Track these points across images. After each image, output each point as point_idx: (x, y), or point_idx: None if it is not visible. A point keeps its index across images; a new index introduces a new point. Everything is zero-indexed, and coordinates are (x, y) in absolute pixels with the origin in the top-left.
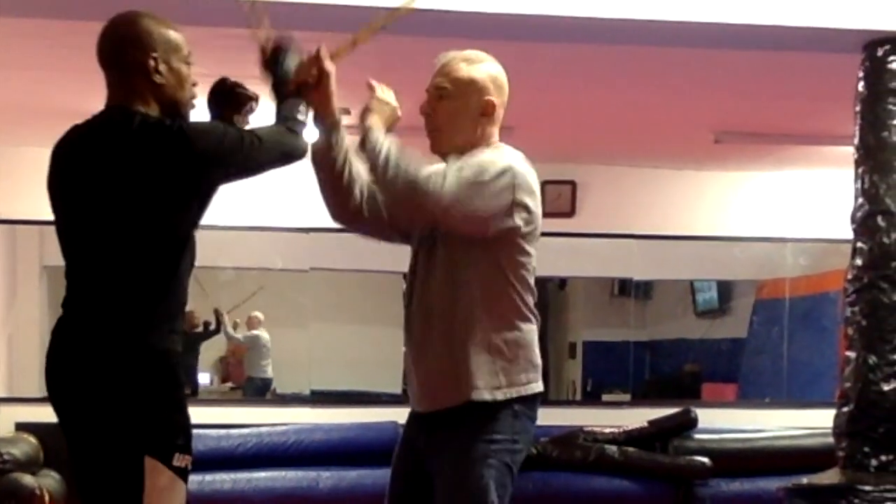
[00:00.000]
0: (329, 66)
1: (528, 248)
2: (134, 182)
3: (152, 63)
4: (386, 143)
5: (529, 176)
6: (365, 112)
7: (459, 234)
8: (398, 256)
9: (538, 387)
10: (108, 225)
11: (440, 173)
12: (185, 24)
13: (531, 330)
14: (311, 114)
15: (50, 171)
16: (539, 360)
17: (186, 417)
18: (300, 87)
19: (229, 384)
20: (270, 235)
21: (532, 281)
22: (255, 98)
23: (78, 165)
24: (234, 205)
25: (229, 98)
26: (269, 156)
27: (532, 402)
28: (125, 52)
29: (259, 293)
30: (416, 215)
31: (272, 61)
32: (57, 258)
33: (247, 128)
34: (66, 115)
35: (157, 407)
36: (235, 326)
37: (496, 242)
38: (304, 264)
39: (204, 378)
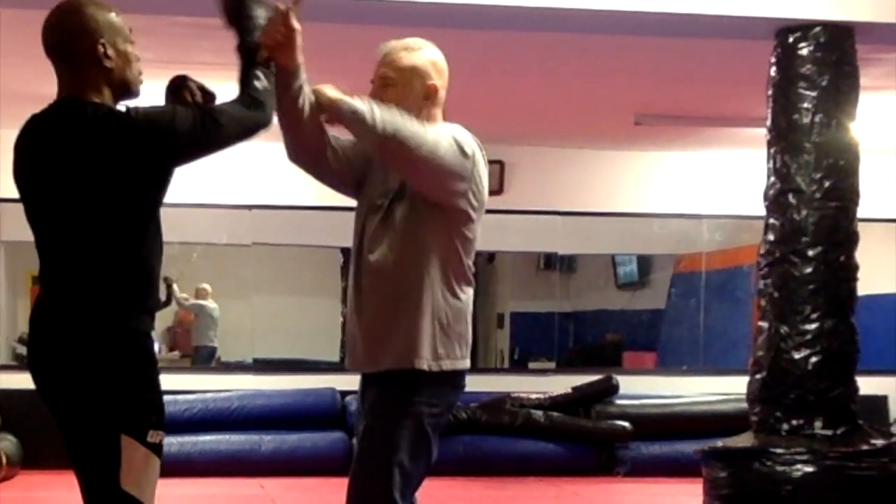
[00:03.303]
0: (296, 24)
1: (475, 222)
2: (91, 172)
3: (101, 49)
4: (366, 103)
5: (482, 153)
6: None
7: (427, 192)
8: (335, 232)
9: (467, 363)
10: (72, 214)
11: (431, 131)
12: (134, 13)
13: (470, 302)
14: (274, 71)
15: (14, 163)
16: (470, 336)
17: (159, 395)
18: (270, 48)
19: (177, 353)
20: (215, 212)
21: (473, 255)
22: (213, 96)
23: (37, 158)
24: (179, 183)
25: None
26: (228, 132)
27: (460, 374)
28: (75, 43)
29: (206, 268)
30: (407, 168)
31: (236, 11)
32: (15, 233)
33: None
34: (21, 98)
35: (130, 386)
36: (186, 300)
37: (449, 214)
38: (246, 239)
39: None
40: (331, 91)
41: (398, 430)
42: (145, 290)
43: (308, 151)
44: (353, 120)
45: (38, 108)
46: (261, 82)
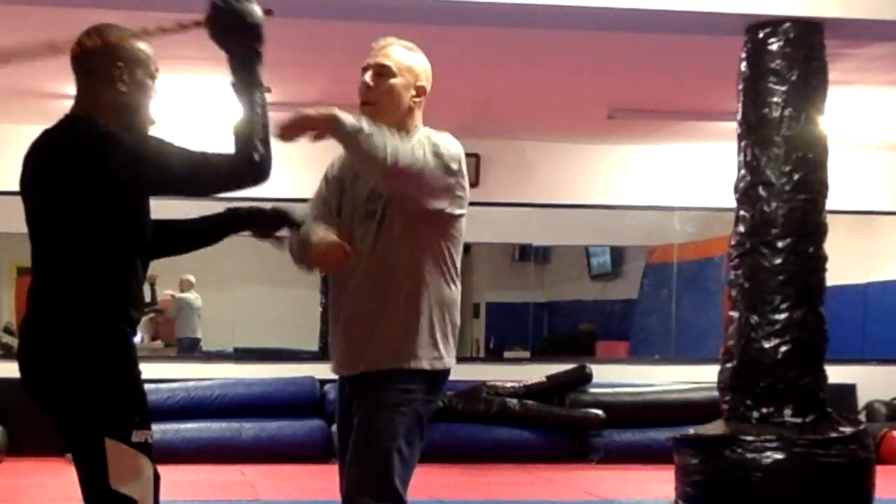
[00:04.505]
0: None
1: (461, 222)
2: (81, 188)
3: (117, 72)
4: (381, 136)
5: (464, 157)
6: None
7: (414, 203)
8: None
9: (453, 362)
10: (60, 225)
11: (423, 155)
12: (115, 9)
13: (458, 303)
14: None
15: (21, 174)
16: (458, 329)
17: (141, 396)
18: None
19: (159, 342)
20: (197, 204)
21: (461, 251)
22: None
23: (37, 170)
24: None
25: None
26: (219, 184)
27: (448, 371)
28: (94, 60)
29: (186, 258)
30: (408, 191)
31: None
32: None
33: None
34: (11, 94)
35: (110, 391)
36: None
37: (438, 218)
38: None
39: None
40: (341, 114)
41: (396, 416)
42: (126, 299)
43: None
44: (362, 149)
45: (31, 105)
46: (261, 151)
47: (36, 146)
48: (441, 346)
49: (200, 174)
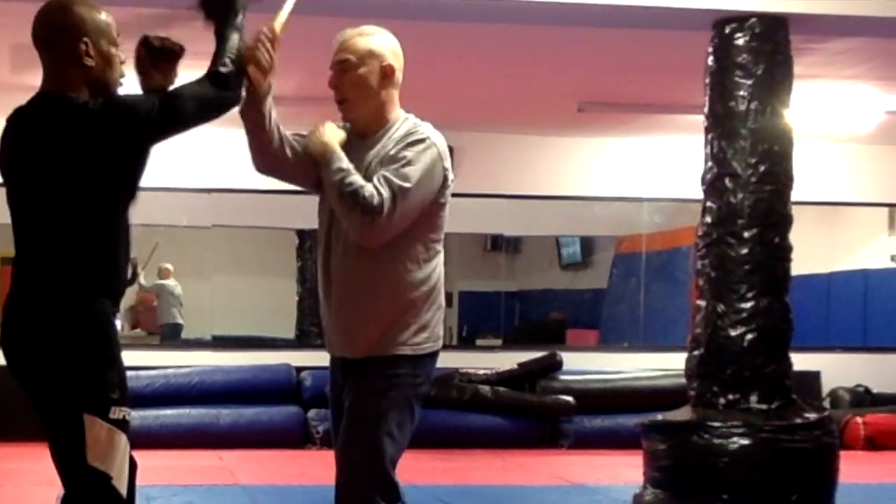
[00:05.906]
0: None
1: (444, 214)
2: (59, 162)
3: (83, 48)
4: (347, 174)
5: (443, 146)
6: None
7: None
8: (291, 214)
9: (440, 343)
10: (41, 201)
11: (382, 203)
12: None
13: (441, 284)
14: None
15: (0, 151)
16: (443, 308)
17: (121, 373)
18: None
19: (139, 330)
20: (176, 195)
21: (442, 233)
22: (181, 49)
23: (16, 148)
24: None
25: (160, 54)
26: (190, 112)
27: (436, 353)
28: (59, 39)
29: (166, 248)
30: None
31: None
32: None
33: (175, 83)
34: None
35: (89, 367)
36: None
37: (422, 213)
38: (206, 221)
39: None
40: (329, 138)
41: (384, 401)
42: (108, 275)
43: (274, 162)
44: (337, 188)
45: (12, 97)
46: (229, 66)
47: (12, 124)
48: (425, 330)
49: (176, 106)
